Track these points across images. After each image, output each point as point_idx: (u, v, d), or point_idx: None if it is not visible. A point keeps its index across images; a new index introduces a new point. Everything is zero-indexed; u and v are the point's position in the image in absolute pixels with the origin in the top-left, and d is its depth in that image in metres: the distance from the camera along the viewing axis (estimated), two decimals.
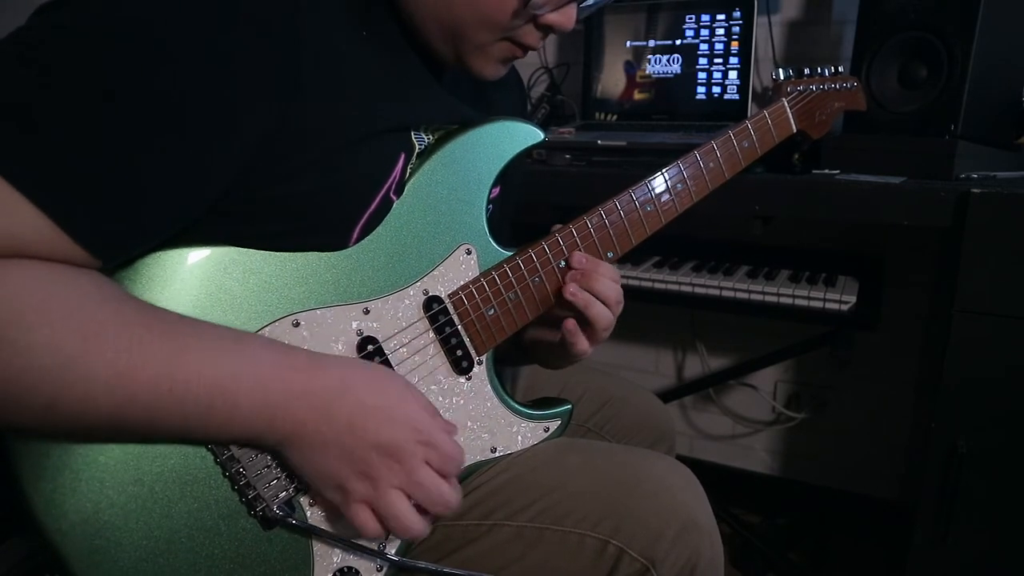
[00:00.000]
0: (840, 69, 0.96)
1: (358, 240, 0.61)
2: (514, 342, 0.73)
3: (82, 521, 0.52)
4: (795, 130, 0.87)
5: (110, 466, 0.52)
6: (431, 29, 0.62)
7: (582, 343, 0.70)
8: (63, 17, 0.47)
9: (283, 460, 0.57)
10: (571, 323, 0.69)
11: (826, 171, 1.13)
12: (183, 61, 0.47)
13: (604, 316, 0.69)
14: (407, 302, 0.64)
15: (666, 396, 1.69)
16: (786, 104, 0.86)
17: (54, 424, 0.47)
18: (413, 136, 0.65)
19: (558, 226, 0.71)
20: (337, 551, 0.62)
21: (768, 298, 1.19)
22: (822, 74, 0.93)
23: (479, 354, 0.69)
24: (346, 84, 0.57)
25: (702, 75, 1.47)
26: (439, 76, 0.69)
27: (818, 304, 1.15)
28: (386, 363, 0.63)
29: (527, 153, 0.70)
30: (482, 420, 0.69)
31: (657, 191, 0.74)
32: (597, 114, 1.60)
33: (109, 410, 0.47)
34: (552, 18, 0.63)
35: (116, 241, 0.49)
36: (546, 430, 0.73)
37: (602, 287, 0.68)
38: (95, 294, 0.47)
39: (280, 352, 0.54)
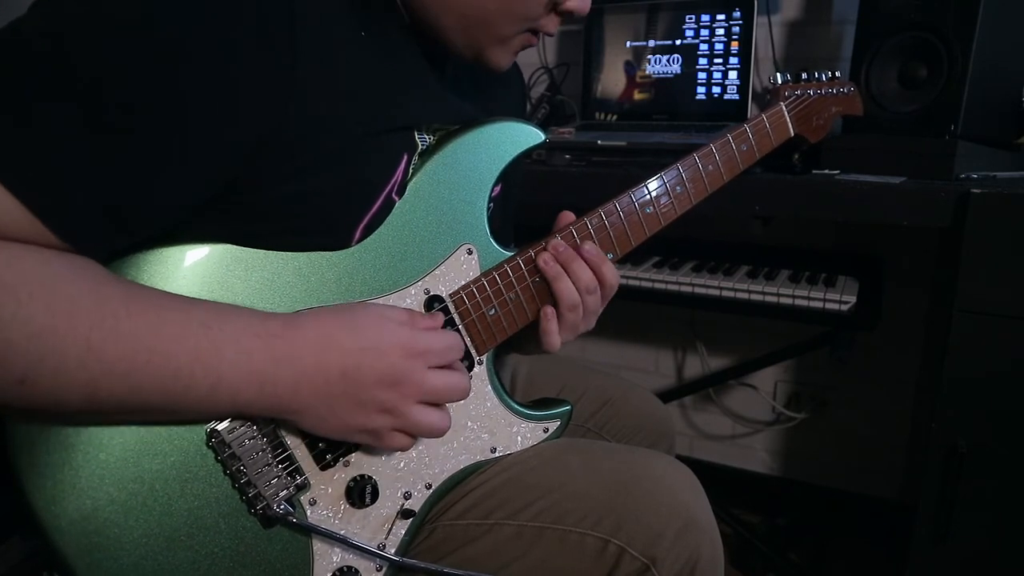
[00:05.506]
0: (838, 73, 0.96)
1: (360, 240, 0.61)
2: None
3: (82, 518, 0.52)
4: (793, 134, 0.87)
5: (110, 463, 0.52)
6: (450, 23, 0.63)
7: (552, 330, 0.70)
8: (59, 9, 0.47)
9: (292, 433, 0.58)
10: (548, 308, 0.70)
11: (826, 171, 1.13)
12: (177, 59, 0.47)
13: (570, 294, 0.68)
14: (408, 301, 0.64)
15: (666, 396, 1.69)
16: (784, 108, 0.86)
17: (30, 400, 0.47)
18: (416, 136, 0.65)
19: (567, 214, 0.71)
20: (337, 550, 0.62)
21: (768, 298, 1.19)
22: (819, 79, 0.93)
23: (479, 353, 0.69)
24: (348, 84, 0.57)
25: (702, 75, 1.47)
26: (440, 74, 0.69)
27: (818, 304, 1.15)
28: None
29: (528, 154, 0.70)
30: (482, 420, 0.70)
31: (656, 194, 0.74)
32: (597, 114, 1.61)
33: (84, 384, 0.47)
34: (572, 4, 0.65)
35: (94, 235, 0.49)
36: (546, 431, 0.74)
37: (575, 267, 0.69)
38: (70, 272, 0.47)
39: (258, 319, 0.54)
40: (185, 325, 0.50)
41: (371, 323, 0.58)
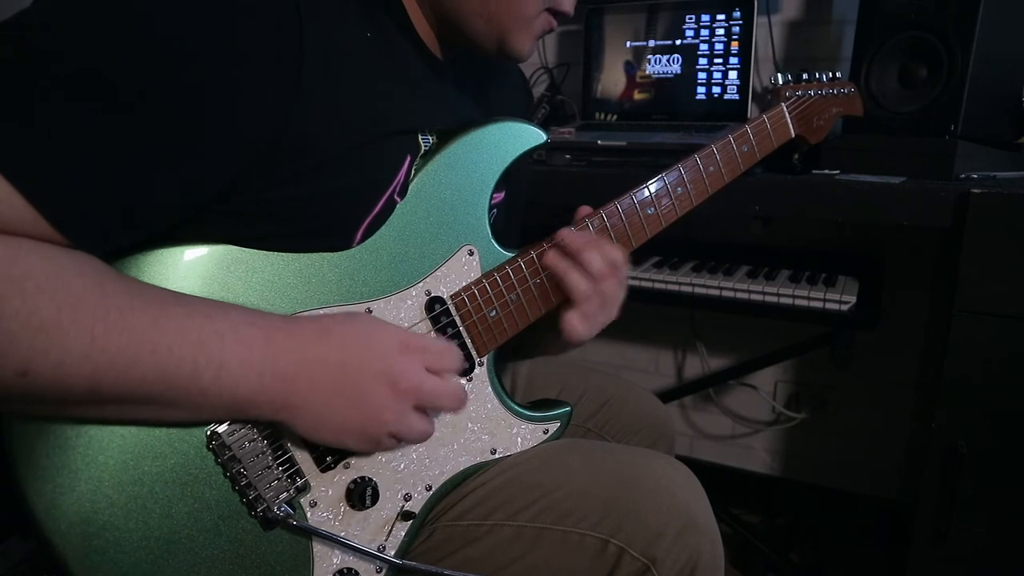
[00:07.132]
0: (838, 73, 0.96)
1: (361, 241, 0.61)
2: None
3: (81, 521, 0.52)
4: (793, 135, 0.87)
5: (109, 466, 0.52)
6: (473, 8, 0.63)
7: (575, 324, 0.68)
8: (64, 6, 0.47)
9: (292, 435, 0.57)
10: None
11: (826, 171, 1.13)
12: (183, 59, 0.47)
13: (579, 286, 0.66)
14: (409, 303, 0.64)
15: (666, 396, 1.69)
16: (785, 109, 0.86)
17: (31, 392, 0.47)
18: (420, 138, 0.64)
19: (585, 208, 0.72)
20: (337, 552, 0.62)
21: (768, 298, 1.19)
22: (820, 79, 0.93)
23: (480, 355, 0.68)
24: (352, 87, 0.57)
25: (702, 75, 1.47)
26: (443, 76, 0.69)
27: (818, 304, 1.15)
28: None
29: (530, 154, 0.70)
30: (482, 421, 0.69)
31: (657, 194, 0.74)
32: (597, 114, 1.60)
33: (86, 377, 0.47)
34: None
35: (94, 232, 0.49)
36: (546, 432, 0.73)
37: (586, 256, 0.66)
38: (75, 268, 0.47)
39: (260, 313, 0.55)
40: (189, 317, 0.50)
41: (371, 323, 0.58)
